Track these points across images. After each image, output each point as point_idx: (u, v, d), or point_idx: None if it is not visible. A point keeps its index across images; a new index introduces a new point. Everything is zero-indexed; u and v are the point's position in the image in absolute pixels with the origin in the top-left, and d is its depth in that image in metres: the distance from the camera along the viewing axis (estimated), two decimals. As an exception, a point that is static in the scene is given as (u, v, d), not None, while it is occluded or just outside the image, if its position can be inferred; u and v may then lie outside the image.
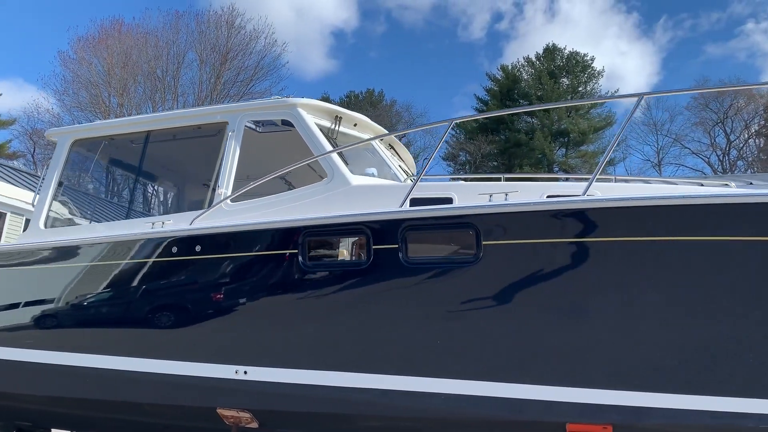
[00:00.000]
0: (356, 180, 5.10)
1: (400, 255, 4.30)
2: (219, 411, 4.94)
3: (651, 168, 45.07)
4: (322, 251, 4.66)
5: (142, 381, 5.00)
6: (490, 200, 4.40)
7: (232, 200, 5.30)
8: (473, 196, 4.66)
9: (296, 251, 4.56)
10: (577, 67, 47.85)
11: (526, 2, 62.29)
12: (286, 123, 5.51)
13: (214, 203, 5.23)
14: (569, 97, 46.41)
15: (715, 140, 44.02)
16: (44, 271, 5.66)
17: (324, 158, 5.14)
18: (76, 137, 6.28)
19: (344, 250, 4.62)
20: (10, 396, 5.72)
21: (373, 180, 5.32)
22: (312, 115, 5.48)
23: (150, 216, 5.93)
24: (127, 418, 5.54)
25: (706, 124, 44.06)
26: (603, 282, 3.98)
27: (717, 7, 60.39)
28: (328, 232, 4.59)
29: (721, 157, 43.72)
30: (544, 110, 45.15)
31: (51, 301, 5.53)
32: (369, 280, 4.46)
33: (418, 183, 4.76)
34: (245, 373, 4.70)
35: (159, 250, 5.03)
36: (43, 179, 6.20)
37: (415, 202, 4.76)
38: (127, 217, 5.95)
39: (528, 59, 49.55)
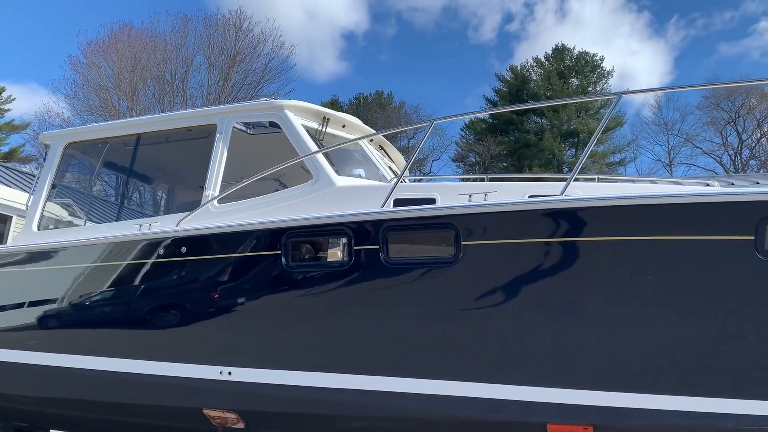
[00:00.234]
0: (341, 181, 5.11)
1: (382, 255, 4.30)
2: (205, 411, 4.97)
3: (662, 168, 44.72)
4: (304, 252, 4.67)
5: (130, 382, 5.04)
6: (469, 200, 4.40)
7: (219, 202, 5.33)
8: (455, 196, 4.66)
9: (279, 252, 4.58)
10: (586, 67, 47.61)
11: (537, 3, 62.06)
12: (273, 125, 5.54)
13: (200, 205, 5.26)
14: (578, 98, 46.22)
15: (726, 139, 43.61)
16: (34, 274, 5.72)
17: (309, 159, 5.15)
18: (69, 140, 6.35)
19: (327, 251, 4.63)
20: (3, 396, 5.79)
21: (358, 181, 5.33)
22: (299, 117, 5.51)
23: (140, 218, 5.96)
24: (117, 419, 5.58)
25: (717, 124, 43.64)
26: (582, 282, 3.96)
27: (730, 5, 59.69)
28: (310, 233, 4.60)
29: (733, 157, 43.29)
30: (554, 111, 44.97)
31: (40, 303, 5.59)
32: (351, 281, 4.47)
33: (405, 184, 4.76)
34: (230, 373, 4.72)
35: (145, 252, 5.06)
36: (37, 182, 6.27)
37: (399, 202, 4.77)
38: (118, 219, 6.00)
39: (537, 59, 49.40)
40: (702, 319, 3.75)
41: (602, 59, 47.52)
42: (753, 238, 3.55)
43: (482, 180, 5.61)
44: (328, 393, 4.45)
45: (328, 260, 4.60)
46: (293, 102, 5.58)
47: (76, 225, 6.25)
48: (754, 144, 42.82)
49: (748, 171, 38.76)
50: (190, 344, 4.92)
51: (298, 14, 59.48)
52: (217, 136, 5.55)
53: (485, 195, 4.34)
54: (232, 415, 4.95)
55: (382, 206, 4.49)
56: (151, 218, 5.50)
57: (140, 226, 5.36)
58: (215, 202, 5.29)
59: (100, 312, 5.33)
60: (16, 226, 13.46)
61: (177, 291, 5.04)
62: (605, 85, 46.93)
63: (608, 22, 62.13)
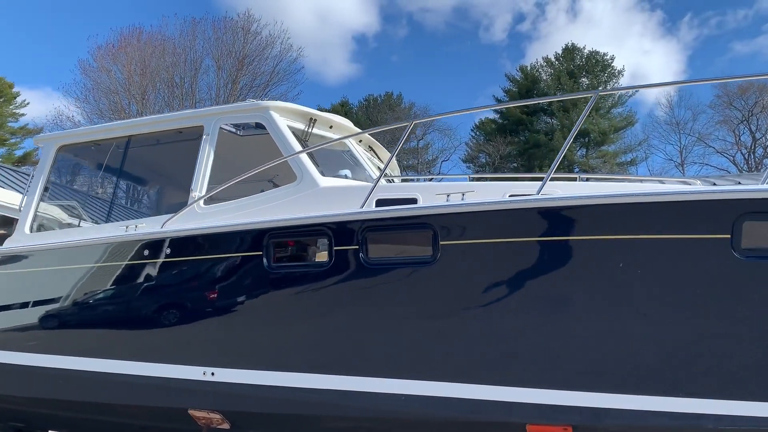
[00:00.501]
0: (325, 182, 5.11)
1: (361, 256, 4.30)
2: (190, 412, 4.99)
3: (674, 168, 44.25)
4: (285, 253, 4.68)
5: (117, 382, 5.07)
6: (447, 200, 4.37)
7: (206, 203, 5.35)
8: (434, 196, 4.64)
9: (260, 253, 4.59)
10: (597, 66, 47.25)
11: (548, 2, 61.62)
12: (259, 126, 5.55)
13: (186, 206, 5.28)
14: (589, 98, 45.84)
15: (740, 138, 43.08)
16: (22, 276, 5.77)
17: (293, 160, 5.16)
18: (61, 143, 6.40)
19: (307, 252, 4.63)
20: None
21: (342, 181, 5.32)
22: (285, 118, 5.51)
23: (129, 219, 5.99)
24: (107, 420, 5.62)
25: (730, 123, 43.10)
26: (560, 282, 3.94)
27: (744, 3, 58.83)
28: (290, 234, 4.61)
29: (746, 156, 42.76)
30: (564, 110, 44.68)
31: (28, 305, 5.65)
32: (331, 282, 4.47)
33: (392, 184, 4.75)
34: (212, 374, 4.74)
35: (129, 254, 5.10)
36: (30, 184, 6.33)
37: (381, 203, 4.76)
38: (108, 220, 6.04)
39: (547, 59, 49.10)
40: (681, 318, 3.71)
41: (612, 58, 47.19)
42: (729, 236, 3.51)
43: (467, 179, 5.56)
44: (309, 393, 4.46)
45: (309, 261, 4.60)
46: (278, 103, 5.60)
47: (69, 227, 6.28)
48: (767, 142, 42.29)
49: (762, 170, 38.29)
50: (174, 345, 4.95)
51: (309, 17, 59.69)
52: (204, 137, 5.57)
53: (463, 195, 4.32)
54: (216, 416, 4.97)
55: (362, 206, 4.48)
56: (137, 220, 5.53)
57: (127, 227, 5.39)
58: (201, 203, 5.31)
59: (87, 313, 5.37)
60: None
61: (160, 292, 5.07)
62: (615, 85, 46.51)
63: (620, 21, 61.65)
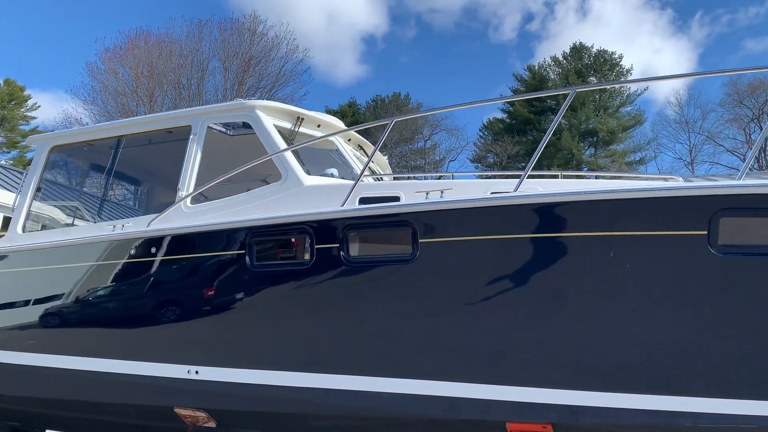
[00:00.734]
0: (309, 180, 5.11)
1: (342, 254, 4.30)
2: (176, 410, 5.01)
3: (684, 166, 43.92)
4: (268, 251, 4.69)
5: (104, 381, 5.10)
6: (426, 198, 4.36)
7: (192, 202, 5.37)
8: (414, 194, 4.63)
9: (243, 252, 4.60)
10: (605, 65, 46.99)
11: (557, 2, 61.53)
12: (246, 125, 5.57)
13: (171, 205, 5.30)
14: (597, 96, 45.63)
15: (750, 137, 42.65)
16: (10, 276, 5.82)
17: (278, 159, 5.16)
18: (54, 143, 6.45)
19: (290, 251, 4.64)
20: None
21: (326, 180, 5.32)
22: (271, 117, 5.53)
23: (117, 219, 6.03)
24: (97, 418, 5.66)
25: (740, 121, 42.75)
26: (539, 280, 3.92)
27: (755, 1, 58.39)
28: (272, 233, 4.61)
29: (757, 154, 42.32)
30: (571, 109, 44.46)
31: (14, 304, 5.69)
32: (313, 280, 4.47)
33: (373, 183, 4.74)
34: (197, 372, 4.76)
35: (113, 253, 5.13)
36: (23, 184, 6.39)
37: (364, 201, 4.76)
38: (98, 220, 6.08)
39: (555, 58, 48.91)
40: (658, 316, 3.68)
41: (621, 57, 46.92)
42: (706, 233, 3.48)
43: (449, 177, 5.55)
44: (293, 392, 4.46)
45: (291, 259, 4.61)
46: (265, 102, 5.62)
47: (61, 226, 6.33)
48: (778, 141, 41.80)
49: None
50: (159, 343, 4.97)
51: (318, 19, 59.93)
52: (191, 137, 5.59)
53: (441, 192, 4.31)
54: (202, 414, 4.98)
55: (343, 204, 4.48)
56: (125, 219, 5.57)
57: (114, 227, 5.42)
58: (188, 202, 5.33)
59: (73, 313, 5.40)
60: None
61: (144, 291, 5.09)
62: (624, 84, 46.22)
63: (630, 19, 61.30)
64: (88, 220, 6.44)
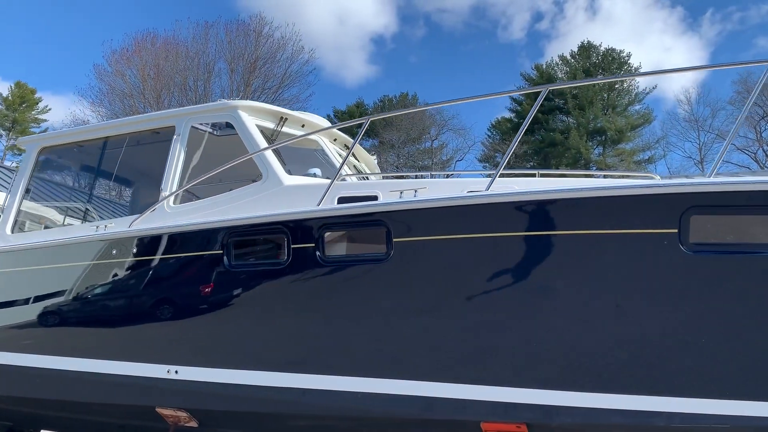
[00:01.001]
0: (289, 180, 5.11)
1: (318, 254, 4.29)
2: (158, 410, 5.02)
3: (693, 165, 43.50)
4: (245, 251, 4.69)
5: (87, 381, 5.12)
6: (400, 197, 4.35)
7: (175, 202, 5.39)
8: (389, 193, 4.62)
9: (221, 252, 4.61)
10: (613, 64, 46.66)
11: (567, 1, 61.25)
12: (228, 125, 5.58)
13: (153, 206, 5.32)
14: (605, 96, 45.37)
15: (761, 135, 42.21)
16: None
17: (258, 159, 5.17)
18: (43, 145, 6.50)
19: (267, 250, 4.64)
20: None
21: (306, 180, 5.32)
22: (253, 117, 5.53)
23: (101, 220, 6.06)
24: (86, 418, 5.69)
25: (751, 119, 42.22)
26: (511, 279, 3.90)
27: (767, -1, 57.74)
28: (249, 233, 4.61)
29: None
30: (579, 108, 44.24)
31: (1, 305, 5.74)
32: (289, 280, 4.47)
33: (353, 182, 4.73)
34: (176, 372, 4.77)
35: (94, 254, 5.15)
36: (12, 185, 6.43)
37: (342, 200, 4.75)
38: (84, 220, 6.12)
39: (563, 57, 48.66)
40: (630, 315, 3.64)
41: (629, 56, 46.60)
42: (677, 231, 3.44)
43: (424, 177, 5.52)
44: (270, 392, 4.46)
45: (269, 259, 4.61)
46: (247, 102, 5.62)
47: (49, 227, 6.37)
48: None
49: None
50: (140, 343, 4.99)
51: (328, 20, 60.07)
52: (175, 137, 5.61)
53: (415, 191, 4.29)
54: (183, 414, 5.00)
55: (318, 204, 4.47)
56: (108, 220, 5.59)
57: (97, 227, 5.45)
58: (170, 202, 5.35)
59: (56, 313, 5.43)
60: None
61: (124, 291, 5.11)
62: (632, 82, 45.88)
63: (640, 18, 60.88)
64: (69, 219, 6.48)
